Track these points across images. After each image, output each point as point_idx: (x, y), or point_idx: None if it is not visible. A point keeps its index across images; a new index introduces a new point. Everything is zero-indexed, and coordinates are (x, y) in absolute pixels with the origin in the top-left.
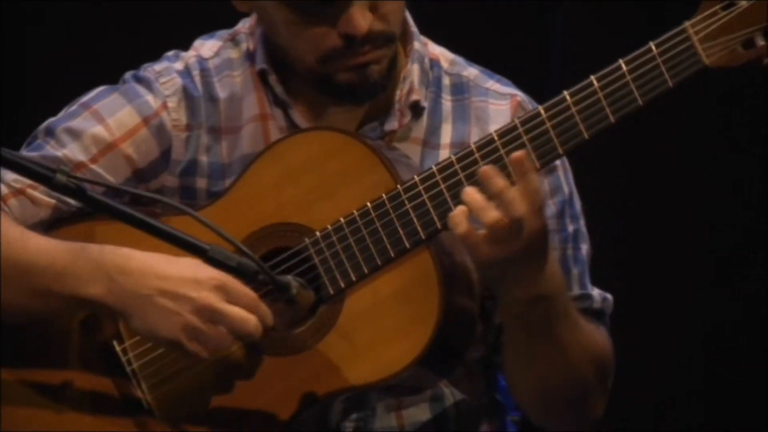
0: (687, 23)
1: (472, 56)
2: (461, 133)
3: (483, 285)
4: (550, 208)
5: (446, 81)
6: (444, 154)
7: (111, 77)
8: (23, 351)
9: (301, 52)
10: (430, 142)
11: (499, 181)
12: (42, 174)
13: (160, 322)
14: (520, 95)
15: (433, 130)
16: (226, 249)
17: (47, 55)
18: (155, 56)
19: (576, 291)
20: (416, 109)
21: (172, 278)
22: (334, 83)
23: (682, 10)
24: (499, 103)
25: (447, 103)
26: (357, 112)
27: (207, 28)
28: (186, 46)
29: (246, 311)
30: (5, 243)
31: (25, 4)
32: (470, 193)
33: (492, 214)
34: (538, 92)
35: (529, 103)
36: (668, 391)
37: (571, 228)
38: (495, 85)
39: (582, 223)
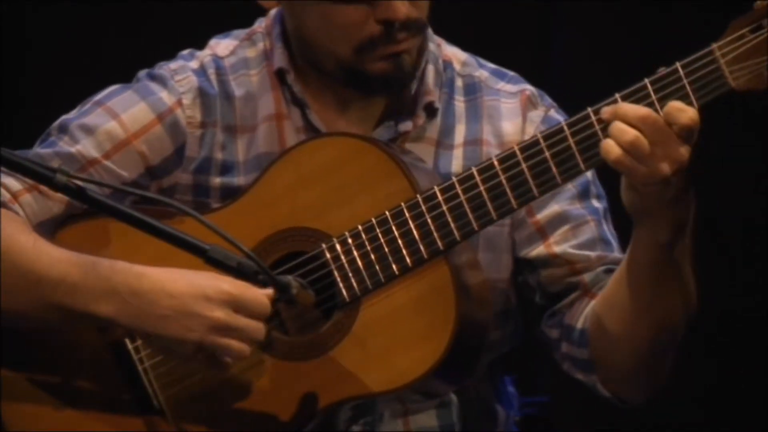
0: (714, 45)
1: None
2: (473, 131)
3: (496, 294)
4: (571, 191)
5: (459, 83)
6: (457, 153)
7: (113, 77)
8: (33, 348)
9: (335, 43)
10: (443, 143)
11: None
12: (42, 174)
13: (175, 340)
14: (529, 89)
15: (447, 131)
16: (227, 249)
17: (47, 55)
18: (156, 56)
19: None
20: (430, 110)
21: (184, 297)
22: (367, 74)
23: (683, 11)
24: (510, 102)
25: (460, 104)
26: (373, 111)
27: (210, 27)
28: (187, 46)
29: (256, 320)
30: (18, 252)
31: (26, 4)
32: (609, 118)
33: (631, 132)
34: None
35: (539, 97)
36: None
37: (599, 205)
38: (506, 86)
39: (606, 204)
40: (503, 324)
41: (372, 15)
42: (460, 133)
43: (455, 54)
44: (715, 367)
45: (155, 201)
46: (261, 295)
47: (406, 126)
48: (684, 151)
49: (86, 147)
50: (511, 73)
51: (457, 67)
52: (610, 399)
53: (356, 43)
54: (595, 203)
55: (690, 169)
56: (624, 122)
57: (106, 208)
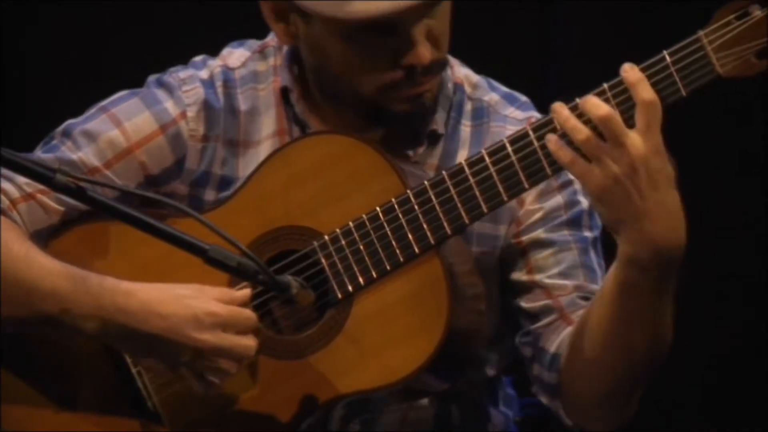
0: (701, 32)
1: (471, 56)
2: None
3: (493, 299)
4: (562, 217)
5: (468, 106)
6: None
7: (116, 80)
8: (27, 350)
9: (358, 83)
10: (444, 168)
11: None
12: (42, 174)
13: (164, 361)
14: (536, 117)
15: (449, 157)
16: (227, 249)
17: (48, 56)
18: (163, 60)
19: None
20: (433, 137)
21: (174, 318)
22: (389, 112)
23: (681, 9)
24: (516, 130)
25: (466, 128)
26: (374, 138)
27: (219, 31)
28: (197, 51)
29: (246, 337)
30: (9, 261)
31: (26, 5)
32: (558, 108)
33: (583, 132)
34: (536, 92)
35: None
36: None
37: (589, 234)
38: (515, 112)
39: (599, 234)
40: (497, 343)
41: (396, 60)
42: (462, 158)
43: (467, 76)
44: (716, 369)
45: (155, 201)
46: (249, 312)
47: (407, 153)
48: (634, 150)
49: (88, 155)
50: (524, 99)
51: (468, 90)
52: (571, 429)
53: (380, 85)
54: (586, 233)
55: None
56: (581, 118)
57: (105, 208)
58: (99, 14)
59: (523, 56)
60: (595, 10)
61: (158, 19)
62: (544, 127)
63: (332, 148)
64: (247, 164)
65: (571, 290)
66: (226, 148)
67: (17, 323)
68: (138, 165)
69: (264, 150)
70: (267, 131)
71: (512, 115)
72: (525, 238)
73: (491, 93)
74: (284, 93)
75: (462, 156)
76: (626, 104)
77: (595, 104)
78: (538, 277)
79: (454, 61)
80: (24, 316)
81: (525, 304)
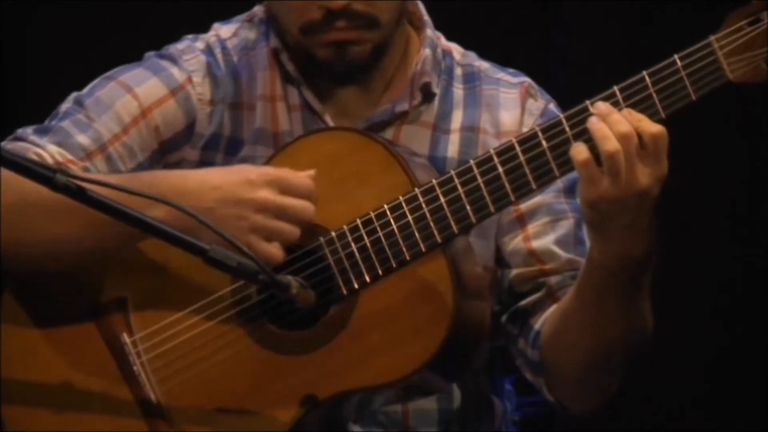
0: (712, 37)
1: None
2: (471, 118)
3: (493, 290)
4: (558, 185)
5: (458, 71)
6: (453, 138)
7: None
8: (29, 346)
9: (287, 23)
10: (440, 126)
11: (616, 116)
12: (42, 174)
13: (228, 230)
14: (528, 81)
15: (444, 116)
16: (227, 249)
17: (48, 56)
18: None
19: None
20: (427, 92)
21: (228, 185)
22: (314, 58)
23: (681, 10)
24: (510, 92)
25: (458, 91)
26: (369, 95)
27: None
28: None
29: (302, 199)
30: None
31: (26, 5)
32: (595, 122)
33: (613, 143)
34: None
35: (539, 91)
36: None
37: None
38: (506, 76)
39: None
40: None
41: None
42: (457, 118)
43: (455, 46)
44: (715, 367)
45: (155, 201)
46: (303, 175)
47: (402, 107)
48: (644, 179)
49: (105, 122)
50: (511, 69)
51: (456, 56)
52: (554, 404)
53: (300, 25)
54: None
55: (653, 206)
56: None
57: (105, 207)
58: (99, 14)
59: (524, 57)
60: (597, 10)
61: (158, 19)
62: (553, 128)
63: (339, 144)
64: (249, 127)
65: (563, 265)
66: (230, 112)
67: (74, 241)
68: (153, 129)
69: (259, 112)
70: (259, 92)
71: (504, 79)
72: (523, 205)
73: (480, 61)
74: (276, 55)
75: (457, 116)
76: (638, 107)
77: (618, 120)
78: (535, 244)
79: (439, 33)
80: (80, 229)
81: (516, 282)
